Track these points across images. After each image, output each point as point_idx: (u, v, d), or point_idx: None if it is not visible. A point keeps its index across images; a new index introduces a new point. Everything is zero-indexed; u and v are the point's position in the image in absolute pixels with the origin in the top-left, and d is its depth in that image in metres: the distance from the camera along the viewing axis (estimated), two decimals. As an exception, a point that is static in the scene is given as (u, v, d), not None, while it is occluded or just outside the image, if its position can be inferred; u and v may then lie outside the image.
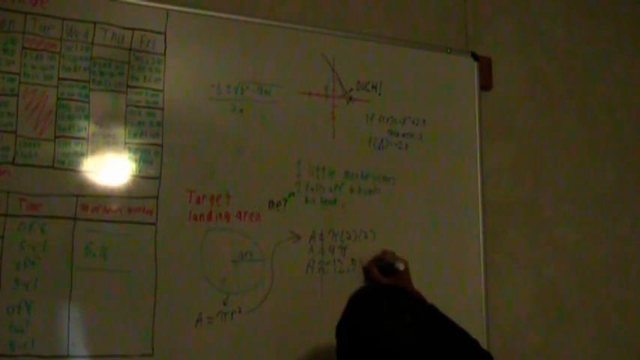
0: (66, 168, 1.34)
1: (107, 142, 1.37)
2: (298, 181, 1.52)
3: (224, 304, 1.41)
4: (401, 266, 1.46)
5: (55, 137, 1.34)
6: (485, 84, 1.82)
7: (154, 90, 1.42)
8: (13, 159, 1.30)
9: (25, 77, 1.33)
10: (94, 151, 1.36)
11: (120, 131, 1.39)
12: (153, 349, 1.34)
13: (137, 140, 1.40)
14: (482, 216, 1.71)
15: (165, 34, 1.45)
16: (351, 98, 1.60)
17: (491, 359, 1.31)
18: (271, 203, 1.48)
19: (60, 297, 1.29)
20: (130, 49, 1.41)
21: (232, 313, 1.41)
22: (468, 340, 1.34)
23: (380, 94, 1.64)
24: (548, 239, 1.88)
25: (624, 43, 2.11)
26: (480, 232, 1.70)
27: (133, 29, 1.42)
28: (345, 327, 1.14)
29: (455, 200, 1.68)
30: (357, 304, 1.17)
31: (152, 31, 1.44)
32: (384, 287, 1.39)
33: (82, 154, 1.35)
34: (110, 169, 1.37)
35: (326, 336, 1.45)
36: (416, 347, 1.06)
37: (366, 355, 1.08)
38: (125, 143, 1.39)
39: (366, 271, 1.53)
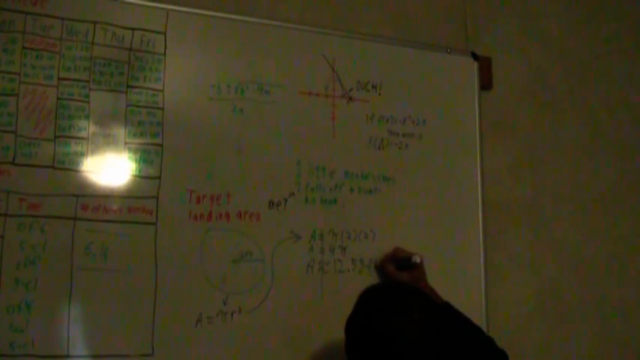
0: (66, 168, 1.34)
1: (107, 142, 1.37)
2: (298, 181, 1.52)
3: (224, 304, 1.41)
4: (417, 258, 1.46)
5: (55, 137, 1.34)
6: (485, 84, 1.82)
7: (154, 90, 1.42)
8: (13, 159, 1.30)
9: (25, 77, 1.33)
10: (94, 151, 1.36)
11: (120, 131, 1.39)
12: (153, 349, 1.34)
13: (137, 140, 1.40)
14: (482, 216, 1.71)
15: (165, 34, 1.45)
16: (351, 98, 1.60)
17: (505, 358, 1.31)
18: (271, 203, 1.48)
19: (60, 297, 1.29)
20: (130, 49, 1.41)
21: (232, 313, 1.41)
22: (482, 338, 1.35)
23: (380, 94, 1.64)
24: (548, 239, 1.88)
25: (624, 43, 2.11)
26: (480, 232, 1.70)
27: (133, 29, 1.42)
28: (354, 322, 1.15)
29: (455, 200, 1.68)
30: (366, 300, 1.18)
31: (152, 31, 1.44)
32: (395, 284, 1.39)
33: (82, 154, 1.35)
34: (110, 169, 1.37)
35: (326, 336, 1.46)
36: (422, 345, 1.06)
37: (372, 352, 1.08)
38: (125, 143, 1.39)
39: (381, 269, 1.53)
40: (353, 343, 1.13)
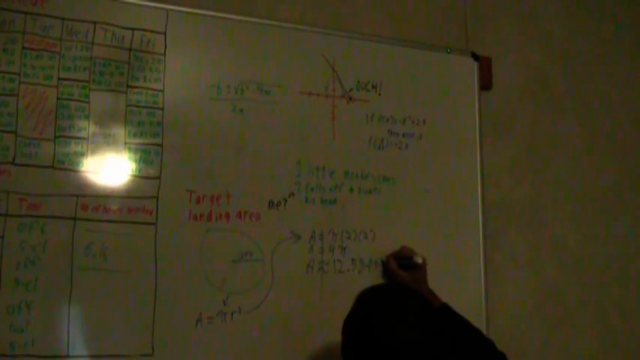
0: (66, 168, 1.34)
1: (107, 142, 1.37)
2: (298, 181, 1.52)
3: (224, 304, 1.41)
4: (419, 259, 1.47)
5: (55, 137, 1.34)
6: (485, 84, 1.82)
7: (154, 90, 1.42)
8: (13, 159, 1.30)
9: (25, 77, 1.33)
10: (94, 151, 1.36)
11: (120, 131, 1.39)
12: (153, 349, 1.34)
13: (137, 140, 1.40)
14: (482, 216, 1.71)
15: (165, 34, 1.45)
16: (351, 98, 1.60)
17: None
18: (271, 203, 1.48)
19: (60, 297, 1.29)
20: (130, 49, 1.41)
21: (232, 313, 1.41)
22: (481, 340, 1.34)
23: (380, 94, 1.64)
24: (548, 239, 1.88)
25: (624, 43, 2.11)
26: (480, 232, 1.70)
27: (133, 29, 1.42)
28: (351, 324, 1.15)
29: (455, 200, 1.68)
30: (363, 301, 1.18)
31: (152, 31, 1.44)
32: (392, 286, 1.39)
33: (82, 154, 1.35)
34: (110, 169, 1.37)
35: (326, 336, 1.46)
36: (418, 348, 1.06)
37: (368, 354, 1.08)
38: (125, 143, 1.39)
39: (385, 264, 1.54)
40: (349, 344, 1.14)
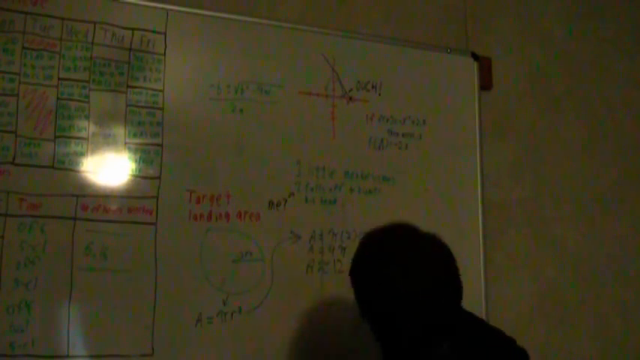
0: (66, 168, 1.34)
1: (107, 142, 1.37)
2: (298, 181, 1.52)
3: (224, 304, 1.41)
4: None
5: (55, 137, 1.34)
6: (485, 84, 1.82)
7: (154, 90, 1.42)
8: (13, 159, 1.30)
9: (25, 77, 1.33)
10: (94, 151, 1.36)
11: (120, 131, 1.39)
12: (153, 349, 1.34)
13: (137, 140, 1.40)
14: (482, 216, 1.71)
15: (165, 34, 1.45)
16: (351, 98, 1.60)
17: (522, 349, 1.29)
18: (271, 203, 1.48)
19: (60, 297, 1.29)
20: (130, 49, 1.41)
21: (232, 313, 1.41)
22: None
23: (380, 94, 1.64)
24: (548, 239, 1.88)
25: (624, 43, 2.11)
26: (480, 232, 1.70)
27: (133, 29, 1.42)
28: (356, 268, 1.14)
29: (455, 200, 1.68)
30: (367, 245, 1.18)
31: (152, 31, 1.44)
32: (395, 229, 1.33)
33: (82, 154, 1.35)
34: (110, 169, 1.37)
35: (326, 335, 1.46)
36: (417, 298, 1.08)
37: (371, 299, 1.08)
38: (125, 143, 1.39)
39: None
40: (359, 288, 1.12)
